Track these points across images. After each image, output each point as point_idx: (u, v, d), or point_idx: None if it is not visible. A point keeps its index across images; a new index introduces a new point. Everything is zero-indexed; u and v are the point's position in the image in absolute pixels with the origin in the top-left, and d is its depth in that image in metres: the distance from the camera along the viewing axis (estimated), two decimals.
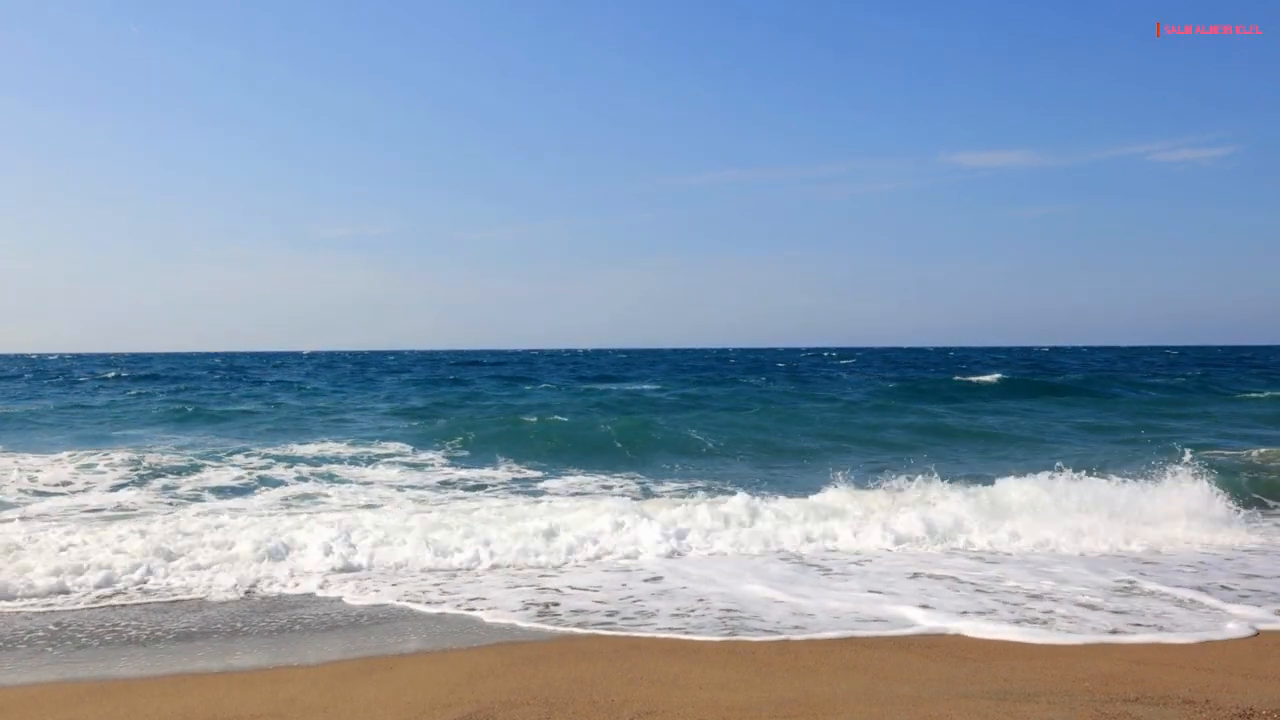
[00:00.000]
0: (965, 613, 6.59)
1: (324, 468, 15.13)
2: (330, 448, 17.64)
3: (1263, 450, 15.65)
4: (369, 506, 11.60)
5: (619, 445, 17.97)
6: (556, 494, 12.99)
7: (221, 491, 13.01)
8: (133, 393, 36.30)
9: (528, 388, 39.87)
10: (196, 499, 12.43)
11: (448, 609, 6.89)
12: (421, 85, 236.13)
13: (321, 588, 7.54)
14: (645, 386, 40.08)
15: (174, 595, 7.27)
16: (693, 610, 6.73)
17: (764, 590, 7.34)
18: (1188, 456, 11.35)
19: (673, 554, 8.82)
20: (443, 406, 29.03)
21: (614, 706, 4.53)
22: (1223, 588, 7.45)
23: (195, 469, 14.56)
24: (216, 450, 16.88)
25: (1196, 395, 32.58)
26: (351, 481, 13.90)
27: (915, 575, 7.98)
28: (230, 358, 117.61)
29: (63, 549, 8.23)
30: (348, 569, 8.06)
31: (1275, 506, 11.68)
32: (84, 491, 12.77)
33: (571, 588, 7.53)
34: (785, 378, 48.43)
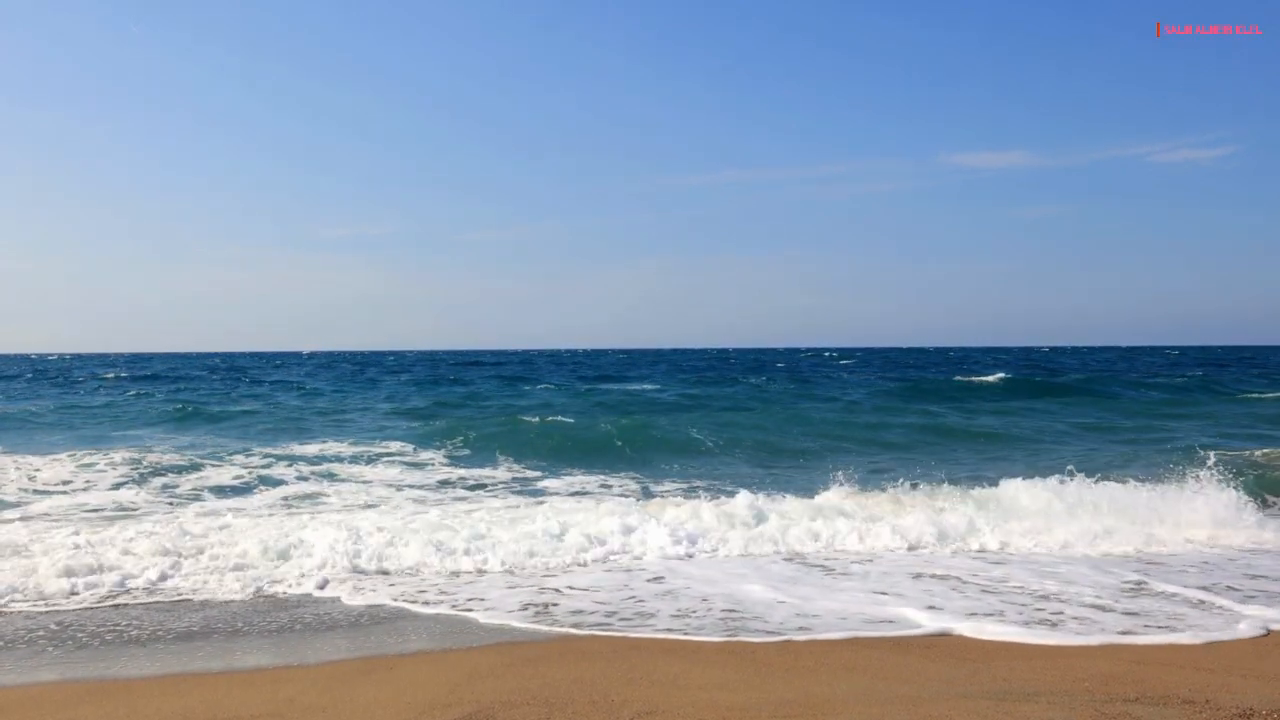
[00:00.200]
0: (973, 614, 6.54)
1: (324, 467, 15.14)
2: (331, 447, 17.64)
3: (1266, 451, 15.63)
4: (369, 506, 11.60)
5: (619, 445, 17.98)
6: (556, 493, 12.99)
7: (222, 491, 13.00)
8: (132, 393, 36.30)
9: (528, 388, 39.87)
10: (196, 498, 12.43)
11: (448, 609, 6.88)
12: (421, 85, 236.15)
13: (322, 588, 7.53)
14: (645, 386, 40.09)
15: (176, 595, 7.26)
16: (694, 611, 6.72)
17: (767, 591, 7.32)
18: (1212, 460, 11.10)
19: (676, 555, 8.80)
20: (443, 406, 29.04)
21: (614, 706, 4.53)
22: (1229, 588, 7.42)
23: (195, 468, 14.57)
24: (217, 450, 16.88)
25: (1199, 395, 32.57)
26: (352, 480, 13.90)
27: (919, 576, 7.96)
28: (230, 358, 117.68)
29: (70, 550, 8.20)
30: (350, 570, 8.04)
31: (1276, 503, 11.66)
32: (84, 490, 12.77)
33: (572, 588, 7.52)
34: (785, 378, 48.43)
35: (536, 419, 22.06)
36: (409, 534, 8.93)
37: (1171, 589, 7.40)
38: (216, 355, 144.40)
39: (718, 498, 11.08)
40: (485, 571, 8.16)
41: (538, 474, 14.99)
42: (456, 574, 8.08)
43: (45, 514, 10.86)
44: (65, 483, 13.33)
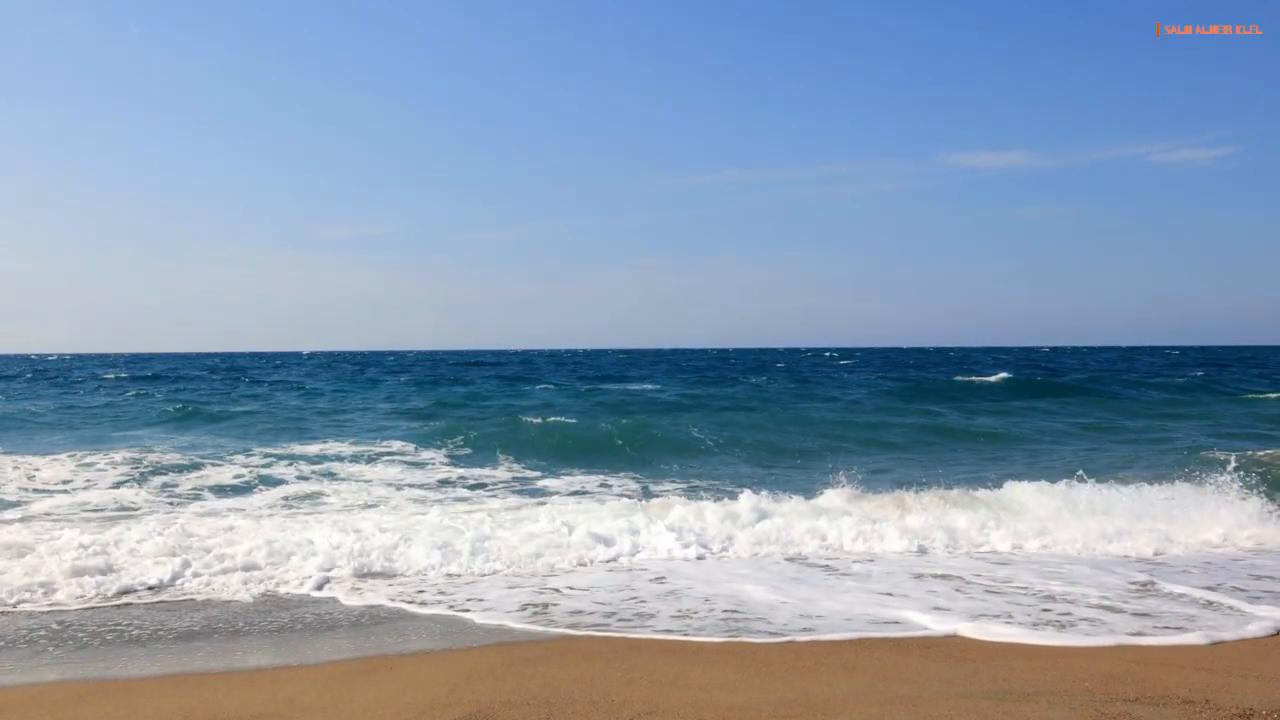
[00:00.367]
0: (979, 616, 6.49)
1: (324, 466, 15.14)
2: (331, 447, 17.64)
3: (1269, 451, 15.60)
4: (370, 505, 11.60)
5: (619, 445, 17.97)
6: (556, 493, 12.98)
7: (222, 490, 13.00)
8: (132, 393, 36.29)
9: (528, 388, 39.86)
10: (197, 498, 12.43)
11: (448, 610, 6.87)
12: (421, 85, 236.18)
13: (322, 588, 7.53)
14: (646, 386, 40.08)
15: (178, 595, 7.26)
16: (695, 611, 6.71)
17: (769, 592, 7.30)
18: (1233, 464, 11.03)
19: (683, 557, 8.77)
20: (443, 406, 29.03)
21: (614, 707, 4.52)
22: (1236, 588, 7.40)
23: (195, 468, 14.56)
24: (217, 450, 16.88)
25: (1199, 395, 32.55)
26: (352, 480, 13.89)
27: (920, 576, 7.95)
28: (230, 358, 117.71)
29: (77, 551, 8.16)
30: (351, 570, 8.02)
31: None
32: (85, 490, 12.77)
33: (572, 588, 7.51)
34: (785, 378, 48.41)
35: (537, 419, 22.06)
36: (410, 534, 8.92)
37: (1179, 589, 7.38)
38: (216, 355, 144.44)
39: (719, 498, 11.07)
40: (489, 572, 8.15)
41: (538, 474, 14.99)
42: (458, 575, 8.07)
43: (46, 514, 10.86)
44: (65, 482, 13.33)
